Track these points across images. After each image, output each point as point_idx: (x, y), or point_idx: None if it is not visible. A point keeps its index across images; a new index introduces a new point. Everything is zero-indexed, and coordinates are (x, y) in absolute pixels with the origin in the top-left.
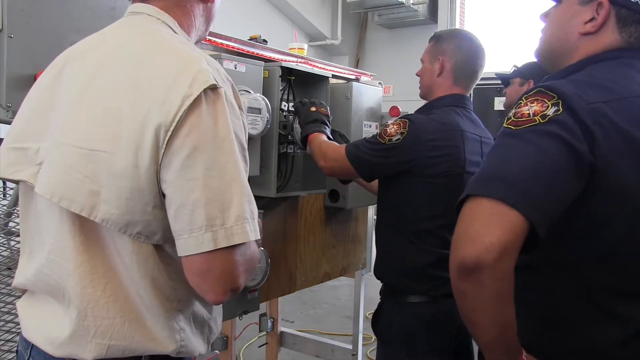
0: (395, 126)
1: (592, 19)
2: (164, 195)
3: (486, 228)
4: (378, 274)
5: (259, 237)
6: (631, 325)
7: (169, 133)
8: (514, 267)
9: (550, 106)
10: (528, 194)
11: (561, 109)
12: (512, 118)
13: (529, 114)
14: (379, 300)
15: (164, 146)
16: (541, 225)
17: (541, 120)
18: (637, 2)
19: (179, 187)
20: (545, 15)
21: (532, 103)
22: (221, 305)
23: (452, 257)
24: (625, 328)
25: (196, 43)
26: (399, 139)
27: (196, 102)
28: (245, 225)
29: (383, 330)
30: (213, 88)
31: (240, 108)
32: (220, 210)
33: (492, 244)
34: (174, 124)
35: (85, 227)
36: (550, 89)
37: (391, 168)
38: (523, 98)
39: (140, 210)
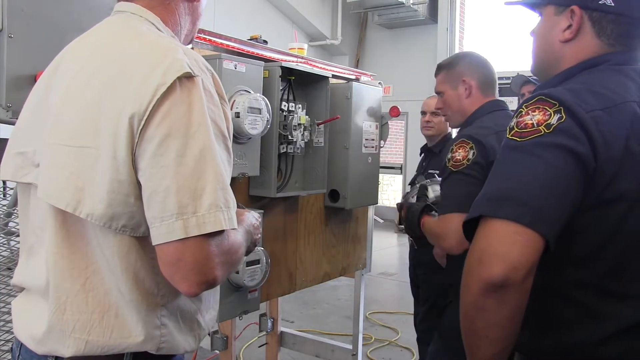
0: (461, 151)
1: (569, 26)
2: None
3: (512, 248)
4: (450, 278)
5: (235, 227)
6: (613, 323)
7: (142, 122)
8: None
9: (552, 114)
10: (543, 213)
11: (564, 116)
12: (516, 129)
13: (532, 124)
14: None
15: (138, 135)
16: (554, 240)
17: (546, 131)
18: (605, 2)
19: (151, 174)
20: (533, 32)
21: (534, 112)
22: (217, 301)
23: (476, 274)
24: (607, 327)
25: (186, 43)
26: (469, 160)
27: (169, 90)
28: (219, 213)
29: (444, 326)
30: (188, 76)
31: (222, 98)
32: (192, 198)
33: (520, 263)
34: (147, 112)
35: (68, 223)
36: (550, 96)
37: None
38: (523, 107)
39: (123, 202)
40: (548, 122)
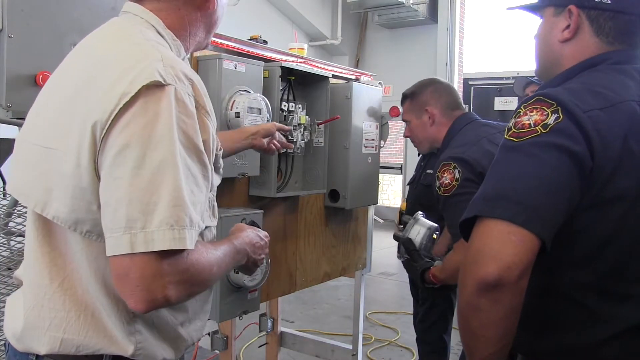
0: (447, 174)
1: (567, 26)
2: None
3: (506, 247)
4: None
5: (188, 247)
6: (614, 325)
7: (104, 131)
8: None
9: (550, 114)
10: (538, 213)
11: (561, 116)
12: (513, 129)
13: (529, 124)
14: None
15: (100, 143)
16: (549, 239)
17: (543, 131)
18: (602, 0)
19: (106, 184)
20: (535, 35)
21: (532, 112)
22: (206, 312)
23: (471, 274)
24: (608, 328)
25: (197, 49)
26: (458, 180)
27: (134, 98)
28: (169, 232)
29: None
30: (157, 84)
31: (202, 108)
32: (142, 212)
33: (514, 263)
34: (109, 121)
35: (46, 222)
36: (548, 96)
37: None
38: (522, 107)
39: (85, 209)
40: (545, 122)
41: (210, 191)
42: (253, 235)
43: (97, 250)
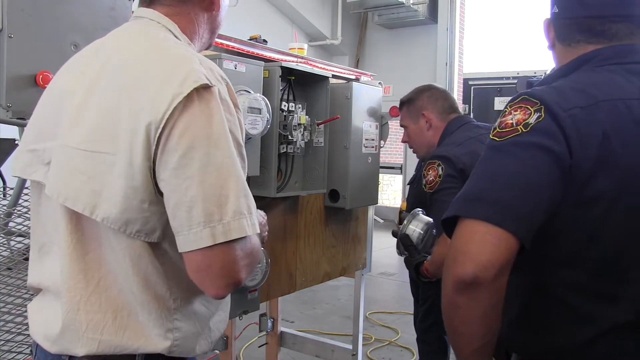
0: (432, 172)
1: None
2: (161, 194)
3: (483, 247)
4: None
5: (258, 232)
6: (601, 324)
7: (159, 130)
8: (506, 282)
9: (532, 113)
10: (515, 212)
11: (543, 115)
12: (497, 129)
13: (512, 123)
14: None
15: (155, 143)
16: (528, 239)
17: (524, 130)
18: (555, 11)
19: (175, 185)
20: None
21: (516, 111)
22: (227, 303)
23: (449, 273)
24: (595, 327)
25: (202, 50)
26: (441, 176)
27: (188, 101)
28: (243, 220)
29: None
30: (205, 87)
31: (236, 106)
32: (217, 206)
33: (490, 262)
34: (164, 121)
35: (82, 225)
36: (533, 95)
37: None
38: (508, 106)
39: (137, 208)
40: (527, 121)
41: None
42: (259, 216)
43: (141, 249)
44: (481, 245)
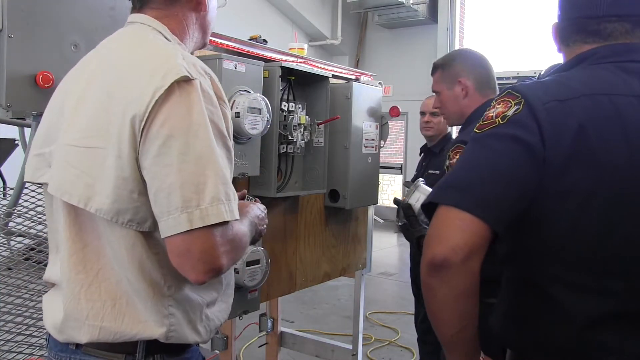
0: (458, 157)
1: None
2: (145, 182)
3: (453, 232)
4: None
5: (237, 218)
6: (584, 318)
7: (143, 122)
8: (479, 267)
9: (512, 105)
10: (484, 199)
11: (521, 108)
12: (480, 122)
13: (492, 116)
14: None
15: (140, 135)
16: (498, 224)
17: (500, 122)
18: (559, 15)
19: (155, 172)
20: None
21: (499, 105)
22: (230, 295)
23: (423, 256)
24: (579, 321)
25: (196, 49)
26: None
27: (169, 93)
28: (220, 206)
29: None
30: (186, 80)
31: (220, 99)
32: (195, 192)
33: (458, 245)
34: (147, 113)
35: (79, 219)
36: (515, 89)
37: None
38: (494, 101)
39: (127, 198)
40: (505, 113)
41: None
42: (256, 209)
43: (134, 238)
44: (451, 229)
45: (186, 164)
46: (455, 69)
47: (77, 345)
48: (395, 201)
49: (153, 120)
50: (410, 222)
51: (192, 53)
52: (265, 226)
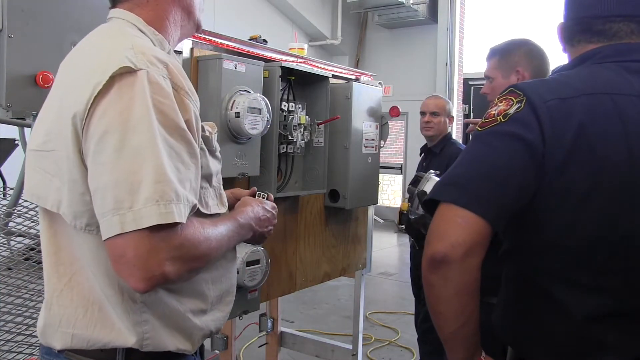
0: None
1: None
2: None
3: (451, 227)
4: None
5: (182, 221)
6: (581, 315)
7: (83, 121)
8: (479, 264)
9: (514, 104)
10: (483, 196)
11: (523, 106)
12: (482, 120)
13: (494, 114)
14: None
15: (82, 134)
16: (497, 223)
17: (502, 120)
18: (564, 15)
19: (92, 172)
20: None
21: (501, 103)
22: (228, 303)
23: (424, 252)
24: (575, 318)
25: (187, 36)
26: None
27: (106, 87)
28: (154, 207)
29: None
30: (129, 71)
31: (182, 89)
32: (128, 193)
33: (457, 242)
34: (87, 111)
35: (54, 223)
36: (518, 87)
37: None
38: (496, 98)
39: (80, 201)
40: (507, 111)
41: (215, 177)
42: (258, 209)
43: (97, 242)
44: (450, 226)
45: (121, 162)
46: (514, 57)
47: (60, 351)
48: (410, 190)
49: (91, 117)
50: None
51: (191, 49)
52: (271, 227)
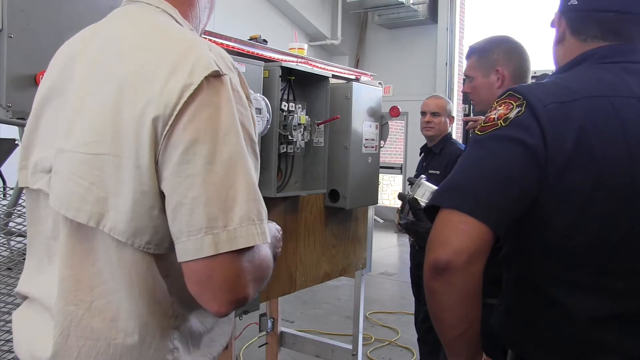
0: None
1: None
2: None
3: (454, 234)
4: None
5: (269, 241)
6: (582, 317)
7: (167, 127)
8: (482, 270)
9: (514, 107)
10: (485, 202)
11: (523, 110)
12: (482, 124)
13: (494, 118)
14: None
15: (162, 140)
16: (500, 228)
17: (503, 124)
18: (572, 3)
19: (176, 184)
20: None
21: (500, 106)
22: (230, 317)
23: (426, 259)
24: (576, 320)
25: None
26: None
27: (197, 90)
28: (251, 227)
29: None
30: (216, 75)
31: (249, 99)
32: (222, 210)
33: (461, 248)
34: (173, 116)
35: (79, 238)
36: (517, 90)
37: None
38: (495, 102)
39: (147, 215)
40: (507, 115)
41: None
42: (273, 229)
43: (148, 262)
44: (453, 232)
45: (213, 175)
46: (493, 56)
47: None
48: (400, 196)
49: (177, 123)
50: (417, 216)
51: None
52: (280, 249)
